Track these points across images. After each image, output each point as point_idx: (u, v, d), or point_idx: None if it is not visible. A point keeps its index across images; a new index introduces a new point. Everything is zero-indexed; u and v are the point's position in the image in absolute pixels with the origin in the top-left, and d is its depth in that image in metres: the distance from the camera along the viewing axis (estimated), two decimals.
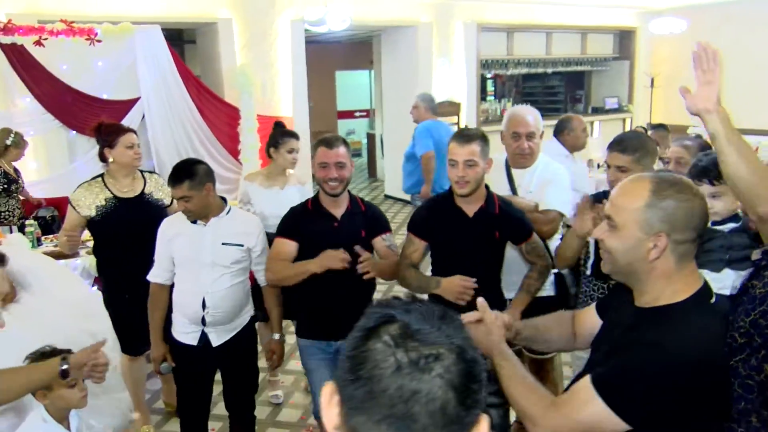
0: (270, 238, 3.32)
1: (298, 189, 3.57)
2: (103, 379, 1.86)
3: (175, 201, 2.69)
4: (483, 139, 2.42)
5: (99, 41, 5.45)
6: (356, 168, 12.84)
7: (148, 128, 5.98)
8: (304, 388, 3.78)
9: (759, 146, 6.84)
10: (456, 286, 2.34)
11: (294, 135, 3.68)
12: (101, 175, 3.14)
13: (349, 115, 14.03)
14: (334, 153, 2.52)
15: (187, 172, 2.49)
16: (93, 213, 3.03)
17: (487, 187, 2.50)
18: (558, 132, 4.16)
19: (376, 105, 11.18)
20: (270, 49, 7.07)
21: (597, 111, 10.82)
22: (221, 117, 6.55)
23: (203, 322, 2.59)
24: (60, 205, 5.44)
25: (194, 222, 2.58)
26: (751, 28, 8.71)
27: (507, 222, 2.48)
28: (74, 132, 5.73)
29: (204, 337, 2.62)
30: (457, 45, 8.69)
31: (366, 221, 2.61)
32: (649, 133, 5.10)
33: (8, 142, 4.66)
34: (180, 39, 9.04)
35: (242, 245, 2.65)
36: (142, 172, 3.21)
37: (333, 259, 2.37)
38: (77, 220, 3.05)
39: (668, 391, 1.22)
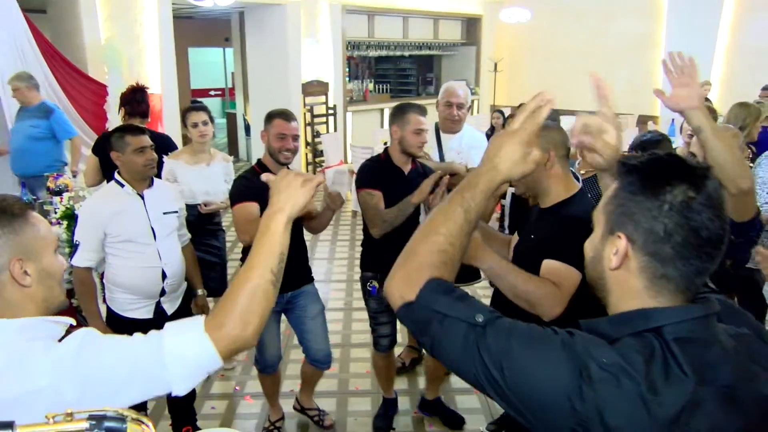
0: (197, 213, 3.42)
1: (223, 166, 3.62)
2: None
3: None
4: None
5: None
6: (215, 148, 12.48)
7: (3, 102, 5.44)
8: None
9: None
10: (423, 188, 2.61)
11: (195, 108, 3.62)
12: None
13: (203, 93, 13.56)
14: (292, 126, 2.75)
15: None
16: None
17: None
18: None
19: (236, 84, 10.96)
20: (135, 22, 6.72)
21: None
22: (86, 94, 6.13)
23: (162, 293, 2.60)
24: None
25: (140, 195, 2.59)
26: (581, 20, 9.91)
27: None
28: None
29: (158, 308, 2.63)
30: (324, 26, 8.86)
31: None
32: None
33: None
34: (24, 8, 8.14)
35: (177, 211, 2.75)
36: None
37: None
38: None
39: None
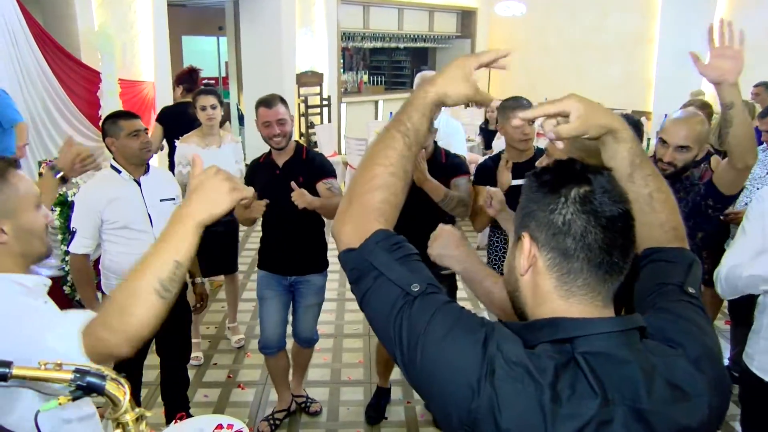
0: None
1: (233, 147, 3.69)
2: (99, 166, 2.11)
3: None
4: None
5: None
6: None
7: None
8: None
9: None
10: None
11: (205, 91, 3.69)
12: None
13: None
14: (274, 111, 2.76)
15: None
16: None
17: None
18: None
19: (230, 73, 10.90)
20: (129, 9, 6.67)
21: None
22: (79, 81, 6.10)
23: None
24: None
25: (137, 181, 2.62)
26: (576, 15, 9.91)
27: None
28: None
29: None
30: (319, 16, 8.82)
31: (307, 168, 2.84)
32: None
33: None
34: None
35: (174, 198, 2.76)
36: None
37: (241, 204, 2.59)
38: None
39: None
